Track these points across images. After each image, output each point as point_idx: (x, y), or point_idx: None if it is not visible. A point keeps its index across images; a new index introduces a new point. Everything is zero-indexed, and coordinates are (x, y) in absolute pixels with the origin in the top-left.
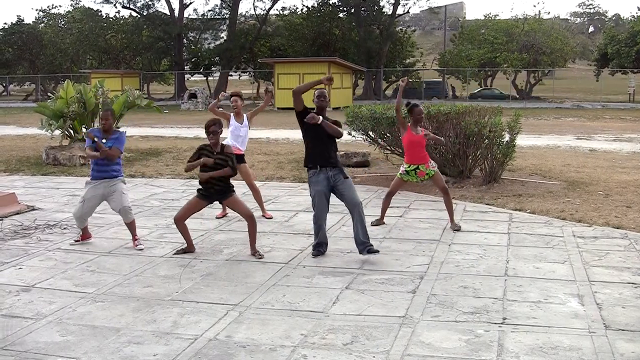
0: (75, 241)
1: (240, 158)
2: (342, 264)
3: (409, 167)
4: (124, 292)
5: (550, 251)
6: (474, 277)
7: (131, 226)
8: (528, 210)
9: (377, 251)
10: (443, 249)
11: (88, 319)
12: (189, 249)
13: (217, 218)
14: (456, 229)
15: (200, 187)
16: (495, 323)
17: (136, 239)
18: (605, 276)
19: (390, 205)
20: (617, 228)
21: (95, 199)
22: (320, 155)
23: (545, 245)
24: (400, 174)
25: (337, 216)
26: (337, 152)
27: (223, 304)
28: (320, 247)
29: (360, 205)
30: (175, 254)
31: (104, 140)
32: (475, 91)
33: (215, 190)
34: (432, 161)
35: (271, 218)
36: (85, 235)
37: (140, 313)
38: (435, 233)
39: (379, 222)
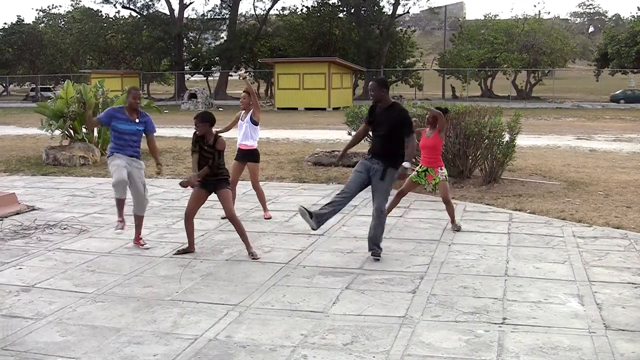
0: (120, 229)
1: (250, 156)
2: (342, 264)
3: (420, 167)
4: (124, 292)
5: (550, 251)
6: (474, 277)
7: (139, 221)
8: (528, 211)
9: (378, 259)
10: (443, 249)
11: (88, 319)
12: (189, 249)
13: (222, 219)
14: (456, 229)
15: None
16: (495, 323)
17: (140, 238)
18: (605, 276)
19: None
20: (617, 228)
21: (124, 164)
22: (374, 147)
23: (545, 246)
24: (412, 175)
25: (337, 216)
26: (395, 150)
27: (223, 304)
28: (320, 219)
29: (381, 211)
30: (175, 254)
31: (137, 120)
32: (618, 92)
33: (209, 178)
34: (443, 169)
35: (270, 218)
36: (122, 218)
37: (140, 313)
38: (436, 233)
39: None
